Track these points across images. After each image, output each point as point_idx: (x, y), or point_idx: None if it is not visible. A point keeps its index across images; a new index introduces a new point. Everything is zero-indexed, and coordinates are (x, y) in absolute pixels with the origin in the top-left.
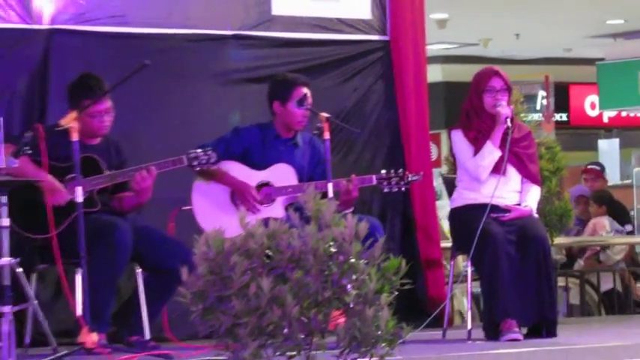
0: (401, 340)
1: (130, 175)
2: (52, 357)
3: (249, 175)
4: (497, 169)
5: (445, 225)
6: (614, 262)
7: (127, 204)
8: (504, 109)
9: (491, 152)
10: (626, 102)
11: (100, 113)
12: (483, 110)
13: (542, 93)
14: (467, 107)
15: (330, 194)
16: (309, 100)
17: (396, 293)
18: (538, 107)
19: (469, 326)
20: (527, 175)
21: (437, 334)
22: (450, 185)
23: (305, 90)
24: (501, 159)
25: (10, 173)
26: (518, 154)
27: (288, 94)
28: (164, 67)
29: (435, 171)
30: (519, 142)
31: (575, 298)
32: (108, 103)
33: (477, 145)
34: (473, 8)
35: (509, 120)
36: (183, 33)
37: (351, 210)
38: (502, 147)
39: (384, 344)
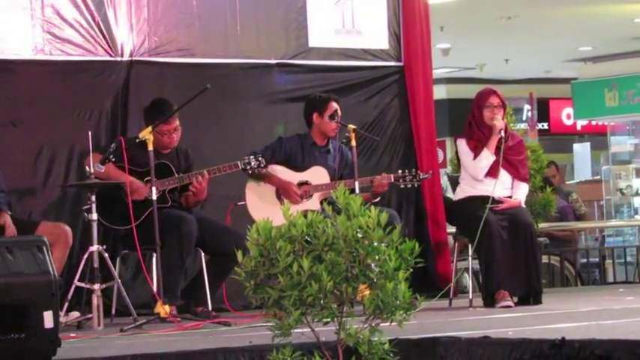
0: (416, 309)
1: (189, 177)
2: (133, 325)
3: (291, 176)
4: (493, 171)
5: None
6: None
7: (191, 201)
8: (499, 123)
9: (487, 157)
10: (595, 113)
11: (169, 132)
12: (483, 122)
13: (527, 107)
14: (470, 119)
15: (357, 190)
16: (339, 113)
17: (411, 270)
18: (524, 118)
19: (470, 296)
20: (518, 177)
21: (444, 303)
22: (454, 182)
23: (336, 105)
24: (496, 162)
25: (98, 177)
26: (511, 161)
27: (324, 108)
28: (222, 90)
29: (441, 171)
30: (512, 150)
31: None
32: (175, 123)
33: (477, 151)
34: (470, 39)
35: (502, 131)
36: (236, 62)
37: (377, 200)
38: (496, 153)
39: (401, 312)
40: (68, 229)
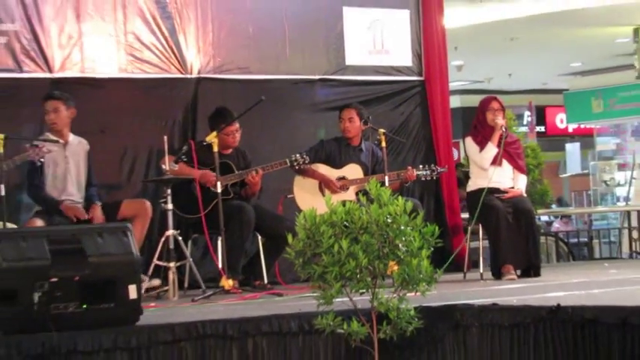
0: (436, 282)
1: (243, 174)
2: (202, 296)
3: (330, 172)
4: (496, 161)
5: None
6: None
7: (248, 193)
8: (500, 121)
9: (491, 149)
10: (583, 118)
11: (232, 132)
12: (486, 123)
13: (527, 113)
14: (475, 122)
15: (387, 184)
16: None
17: (432, 249)
18: (525, 123)
19: (481, 270)
20: (517, 167)
21: (459, 276)
22: (466, 176)
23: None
24: (498, 154)
25: (172, 174)
26: (510, 153)
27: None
28: (274, 101)
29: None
30: (511, 145)
31: (551, 250)
32: (236, 125)
33: (482, 145)
34: (479, 57)
35: (504, 127)
36: (286, 78)
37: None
38: (498, 146)
39: (424, 283)
40: (148, 203)
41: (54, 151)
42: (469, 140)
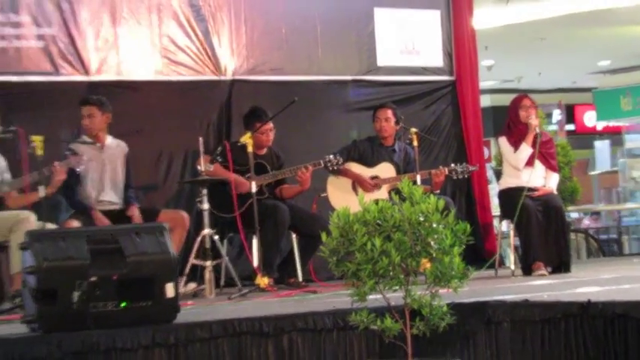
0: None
1: (292, 171)
2: (238, 294)
3: (363, 171)
4: (531, 161)
5: (494, 201)
6: None
7: (286, 193)
8: (534, 121)
9: (526, 149)
10: (612, 116)
11: (267, 131)
12: (519, 121)
13: (557, 111)
14: (508, 121)
15: (419, 182)
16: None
17: (464, 246)
18: (554, 121)
19: (512, 267)
20: (549, 167)
21: (491, 273)
22: (498, 174)
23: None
24: (532, 154)
25: (208, 174)
26: (543, 153)
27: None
28: (307, 102)
29: (487, 165)
30: (544, 145)
31: (581, 247)
32: (270, 124)
33: (516, 145)
34: (509, 57)
35: (537, 128)
36: (318, 79)
37: (438, 191)
38: (532, 147)
39: (456, 280)
40: (186, 215)
41: (92, 156)
42: (503, 140)
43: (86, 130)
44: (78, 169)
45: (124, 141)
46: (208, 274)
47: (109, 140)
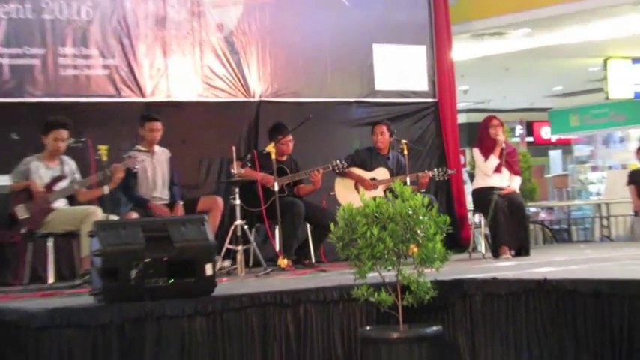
0: (448, 260)
1: (306, 174)
2: (263, 272)
3: (364, 174)
4: (498, 169)
5: (469, 198)
6: None
7: (302, 191)
8: (501, 138)
9: (494, 160)
10: (563, 130)
11: (287, 142)
12: (489, 137)
13: (519, 127)
14: (480, 136)
15: (408, 183)
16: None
17: (444, 234)
18: (517, 135)
19: (483, 251)
20: (513, 172)
21: (465, 256)
22: (472, 177)
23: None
24: (500, 164)
25: (239, 177)
26: (508, 162)
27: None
28: (319, 119)
29: (463, 169)
30: (509, 155)
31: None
32: (290, 137)
33: (486, 156)
34: (481, 84)
35: (503, 143)
36: (328, 100)
37: (423, 190)
38: (499, 158)
39: (438, 262)
40: (220, 199)
41: (145, 160)
42: (476, 151)
43: (153, 141)
44: (133, 170)
45: (171, 150)
46: (239, 257)
47: (157, 148)
